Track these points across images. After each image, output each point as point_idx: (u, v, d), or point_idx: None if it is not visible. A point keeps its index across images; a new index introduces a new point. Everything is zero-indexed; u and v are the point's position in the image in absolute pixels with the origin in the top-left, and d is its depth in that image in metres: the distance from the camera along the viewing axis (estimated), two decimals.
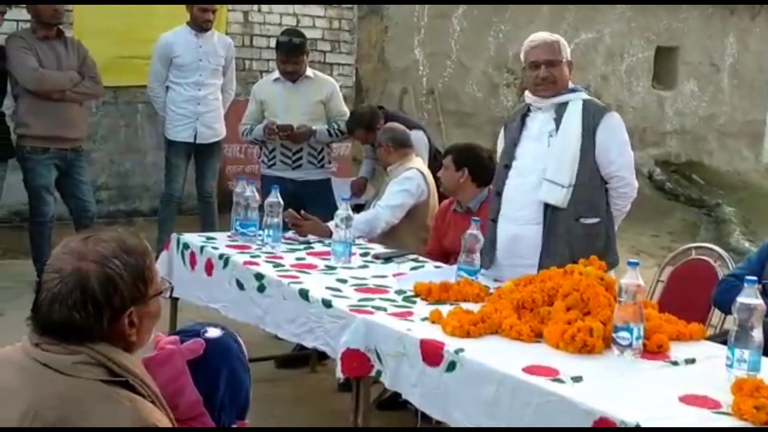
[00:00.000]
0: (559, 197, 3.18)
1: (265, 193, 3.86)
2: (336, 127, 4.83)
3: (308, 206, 4.70)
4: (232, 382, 1.85)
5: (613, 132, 3.25)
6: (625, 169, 3.29)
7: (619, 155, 3.26)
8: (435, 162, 4.54)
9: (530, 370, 2.24)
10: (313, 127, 4.76)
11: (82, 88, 5.09)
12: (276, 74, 4.90)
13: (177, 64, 5.35)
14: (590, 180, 3.22)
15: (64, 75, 5.02)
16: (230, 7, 6.92)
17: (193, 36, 5.37)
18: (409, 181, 4.13)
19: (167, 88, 5.42)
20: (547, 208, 3.21)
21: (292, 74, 4.78)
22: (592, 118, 3.21)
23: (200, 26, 5.36)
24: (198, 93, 5.40)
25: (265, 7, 7.10)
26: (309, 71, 4.86)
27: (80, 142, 5.25)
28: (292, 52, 4.74)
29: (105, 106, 6.48)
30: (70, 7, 6.04)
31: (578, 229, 3.21)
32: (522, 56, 3.36)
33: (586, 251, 2.89)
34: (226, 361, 1.85)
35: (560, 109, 3.25)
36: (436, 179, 4.13)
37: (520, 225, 3.27)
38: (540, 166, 3.22)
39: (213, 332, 1.87)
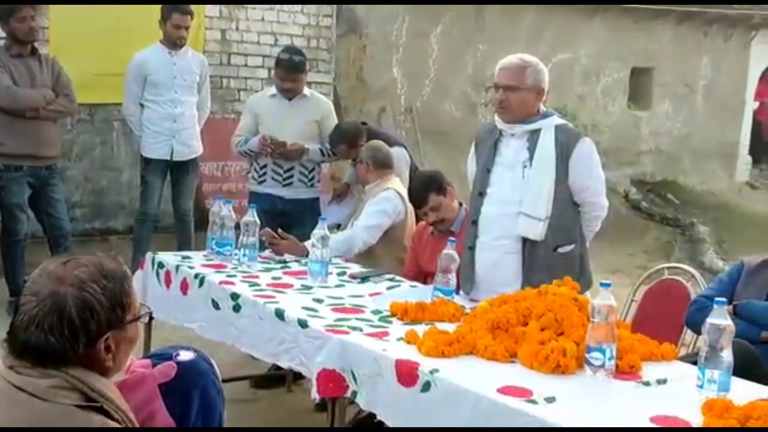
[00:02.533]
0: (537, 231, 3.19)
1: (249, 207, 3.83)
2: (329, 146, 4.85)
3: (297, 224, 4.71)
4: (205, 405, 1.84)
5: (587, 158, 3.26)
6: (599, 194, 3.33)
7: (593, 181, 3.29)
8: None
9: (504, 390, 2.25)
10: (306, 146, 4.78)
11: (56, 106, 5.07)
12: (273, 90, 4.92)
13: (151, 82, 5.35)
14: (565, 208, 3.24)
15: (37, 93, 5.00)
16: (208, 25, 6.93)
17: (167, 54, 5.37)
18: (386, 202, 4.14)
19: (142, 106, 5.41)
20: (526, 239, 3.22)
21: (290, 92, 4.80)
22: (565, 146, 3.21)
23: (174, 43, 5.36)
24: (174, 110, 5.39)
25: (243, 26, 7.12)
26: (306, 90, 4.90)
27: (54, 160, 5.22)
28: (291, 70, 4.76)
29: (81, 124, 6.45)
30: (46, 24, 6.02)
31: (557, 258, 3.23)
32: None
33: (565, 277, 2.91)
34: (199, 383, 1.84)
35: (533, 137, 3.24)
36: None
37: (500, 253, 3.28)
38: (516, 198, 3.23)
39: (185, 355, 1.86)
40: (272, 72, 7.08)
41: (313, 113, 4.86)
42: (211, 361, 1.91)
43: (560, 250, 3.25)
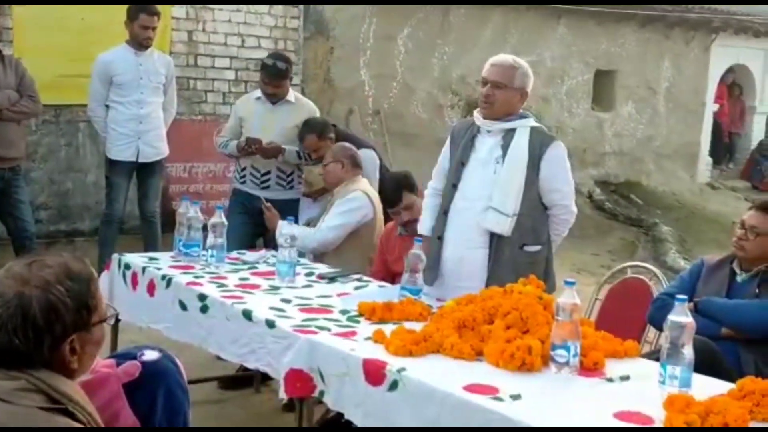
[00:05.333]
0: (504, 226, 3.23)
1: (230, 206, 3.85)
2: (298, 141, 4.84)
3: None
4: (170, 405, 1.83)
5: (558, 162, 3.31)
6: (568, 197, 3.37)
7: (562, 184, 3.34)
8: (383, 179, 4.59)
9: (471, 388, 2.27)
10: (283, 147, 4.78)
11: (20, 107, 5.01)
12: (258, 93, 4.95)
13: (117, 83, 5.30)
14: (534, 208, 3.29)
15: (1, 94, 4.93)
16: (174, 26, 6.88)
17: (132, 54, 5.33)
18: (351, 202, 4.17)
19: (108, 107, 5.35)
20: (493, 235, 3.27)
21: (273, 96, 4.83)
22: (538, 147, 3.27)
23: (140, 44, 5.31)
24: (139, 111, 5.35)
25: (209, 27, 7.08)
26: (291, 95, 4.92)
27: (18, 162, 5.15)
28: (275, 76, 4.80)
29: (46, 125, 6.37)
30: (10, 25, 5.95)
31: (522, 256, 3.28)
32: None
33: (530, 276, 2.95)
34: (163, 383, 1.84)
35: (508, 136, 3.30)
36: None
37: (467, 248, 3.32)
38: (486, 193, 3.27)
39: (150, 355, 1.85)
40: (239, 73, 7.11)
41: (296, 118, 4.88)
42: (176, 360, 1.90)
43: (527, 248, 3.30)
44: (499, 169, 3.27)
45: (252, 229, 4.76)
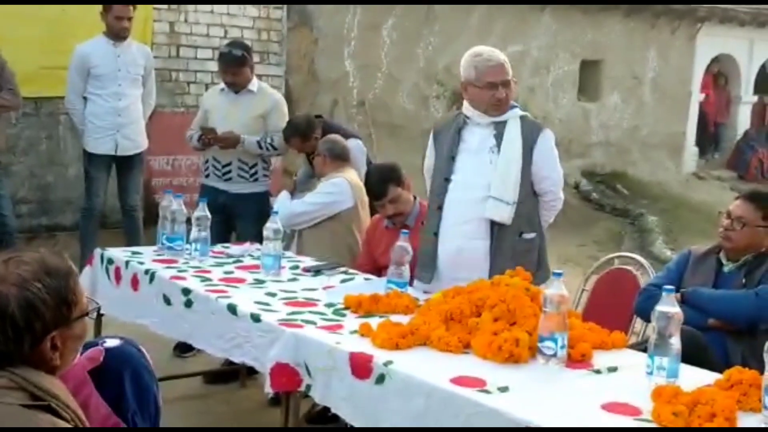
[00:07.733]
0: (505, 214, 3.23)
1: (200, 202, 3.79)
2: (268, 140, 4.77)
3: (240, 218, 4.68)
4: (138, 385, 1.83)
5: (549, 149, 3.34)
6: (557, 184, 3.40)
7: (552, 171, 3.36)
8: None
9: (458, 381, 2.26)
10: (242, 136, 4.72)
11: (0, 100, 4.95)
12: (223, 84, 4.88)
13: (95, 75, 5.20)
14: (527, 195, 3.30)
15: None
16: (156, 17, 6.81)
17: (110, 45, 5.23)
18: (331, 186, 4.18)
19: (85, 99, 5.26)
20: (494, 224, 3.25)
21: (233, 85, 4.77)
22: (530, 135, 3.28)
23: (117, 34, 5.21)
24: (118, 104, 5.25)
25: (191, 18, 7.01)
26: (254, 84, 4.82)
27: None
28: (230, 63, 4.73)
29: (26, 118, 6.29)
30: None
31: (521, 244, 3.29)
32: (473, 72, 3.27)
33: (526, 265, 2.97)
34: (129, 366, 1.83)
35: (499, 126, 3.29)
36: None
37: (466, 239, 3.29)
38: (483, 182, 3.26)
39: (111, 342, 1.86)
40: None
41: (257, 108, 4.80)
42: (139, 346, 1.90)
43: (524, 235, 3.30)
44: (495, 158, 3.26)
45: (222, 228, 4.59)
